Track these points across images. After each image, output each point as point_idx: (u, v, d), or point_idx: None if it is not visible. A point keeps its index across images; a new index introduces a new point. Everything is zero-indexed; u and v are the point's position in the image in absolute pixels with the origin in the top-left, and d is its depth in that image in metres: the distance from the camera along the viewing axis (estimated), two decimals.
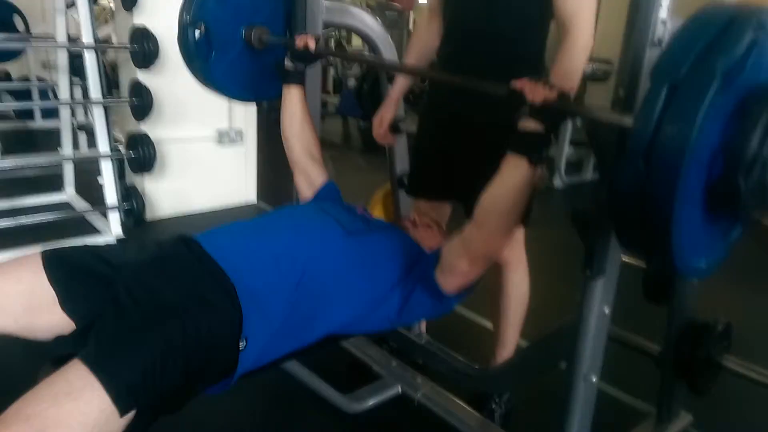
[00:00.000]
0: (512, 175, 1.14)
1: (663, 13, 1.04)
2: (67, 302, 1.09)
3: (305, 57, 1.57)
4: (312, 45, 1.54)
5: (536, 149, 1.12)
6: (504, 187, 1.15)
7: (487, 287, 1.86)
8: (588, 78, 4.89)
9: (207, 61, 1.75)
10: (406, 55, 1.89)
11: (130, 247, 1.26)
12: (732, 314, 1.55)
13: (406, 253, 1.36)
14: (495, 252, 1.23)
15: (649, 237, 0.83)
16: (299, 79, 1.61)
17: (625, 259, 1.19)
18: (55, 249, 1.17)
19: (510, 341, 1.87)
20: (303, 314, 1.20)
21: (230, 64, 1.79)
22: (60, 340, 1.09)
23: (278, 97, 1.67)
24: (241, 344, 1.10)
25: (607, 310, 1.18)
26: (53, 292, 1.09)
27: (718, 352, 1.47)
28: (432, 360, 1.87)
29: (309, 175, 1.60)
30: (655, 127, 0.75)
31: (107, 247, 1.25)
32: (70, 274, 1.12)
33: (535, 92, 1.09)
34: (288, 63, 1.60)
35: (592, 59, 4.73)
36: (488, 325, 2.15)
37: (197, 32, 1.71)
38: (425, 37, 1.80)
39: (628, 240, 0.90)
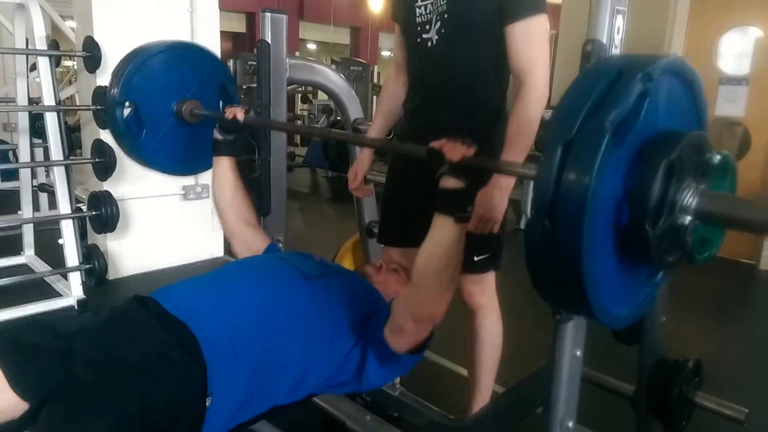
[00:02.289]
0: (441, 235, 1.15)
1: None
2: (17, 382, 1.02)
3: (234, 128, 1.59)
4: (241, 116, 1.57)
5: (459, 207, 1.15)
6: (434, 247, 1.16)
7: (461, 334, 1.85)
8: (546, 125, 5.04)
9: (138, 138, 1.74)
10: (376, 110, 1.93)
11: (82, 316, 1.22)
12: (703, 349, 1.57)
13: (365, 297, 1.36)
14: (438, 311, 1.21)
15: (564, 289, 0.83)
16: (229, 149, 1.62)
17: None
18: None
19: (485, 388, 1.84)
20: (269, 364, 1.18)
21: (162, 140, 1.78)
22: (12, 423, 1.02)
23: (207, 166, 1.67)
24: (207, 401, 1.06)
25: (578, 353, 1.18)
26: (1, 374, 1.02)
27: (691, 389, 1.48)
28: (407, 412, 1.83)
29: (249, 243, 1.57)
30: (555, 183, 0.77)
31: (56, 318, 1.21)
32: (17, 352, 1.05)
33: (453, 151, 1.11)
34: (217, 134, 1.61)
35: (551, 107, 4.91)
36: (463, 372, 2.13)
37: (126, 110, 1.70)
38: (392, 92, 1.85)
39: (547, 294, 0.89)
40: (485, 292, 1.76)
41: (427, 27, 1.61)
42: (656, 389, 1.46)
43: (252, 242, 1.57)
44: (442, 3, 1.56)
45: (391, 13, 1.79)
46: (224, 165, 1.61)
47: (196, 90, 1.82)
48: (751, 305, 3.82)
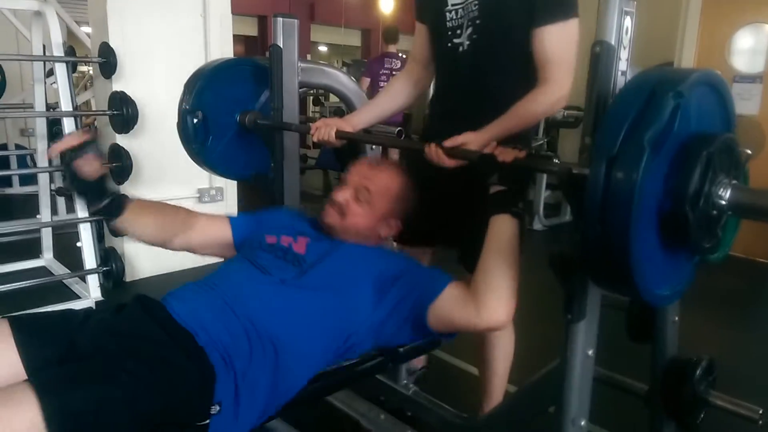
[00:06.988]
0: (503, 231, 1.22)
1: (622, 65, 1.10)
2: (24, 346, 1.11)
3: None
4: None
5: (514, 203, 1.23)
6: (499, 244, 1.21)
7: (473, 339, 1.86)
8: (559, 125, 5.04)
9: (204, 144, 1.87)
10: (373, 99, 1.92)
11: (92, 312, 1.27)
12: (717, 348, 1.56)
13: (373, 260, 1.35)
14: (507, 317, 1.20)
15: (614, 273, 0.94)
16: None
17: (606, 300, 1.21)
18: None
19: (497, 392, 1.85)
20: (283, 367, 1.20)
21: (225, 146, 1.91)
22: None
23: (264, 171, 1.82)
24: (214, 408, 1.08)
25: (590, 353, 1.19)
26: (12, 340, 1.12)
27: (705, 388, 1.48)
28: (420, 411, 1.85)
29: (211, 239, 1.53)
30: (603, 192, 0.87)
31: (69, 311, 1.28)
32: (31, 324, 1.16)
33: (505, 154, 1.19)
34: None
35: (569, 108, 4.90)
36: (476, 371, 2.14)
37: (195, 119, 1.84)
38: (399, 87, 1.80)
39: (598, 278, 1.03)
40: None
41: (458, 32, 1.58)
42: (669, 388, 1.46)
43: (214, 236, 1.52)
44: (473, 9, 1.54)
45: (416, 14, 1.74)
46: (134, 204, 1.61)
47: (258, 101, 1.95)
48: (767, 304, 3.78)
